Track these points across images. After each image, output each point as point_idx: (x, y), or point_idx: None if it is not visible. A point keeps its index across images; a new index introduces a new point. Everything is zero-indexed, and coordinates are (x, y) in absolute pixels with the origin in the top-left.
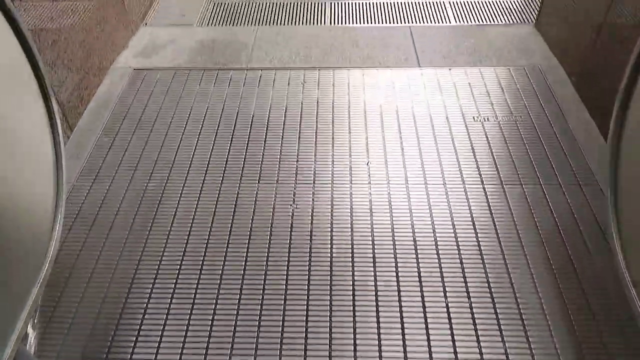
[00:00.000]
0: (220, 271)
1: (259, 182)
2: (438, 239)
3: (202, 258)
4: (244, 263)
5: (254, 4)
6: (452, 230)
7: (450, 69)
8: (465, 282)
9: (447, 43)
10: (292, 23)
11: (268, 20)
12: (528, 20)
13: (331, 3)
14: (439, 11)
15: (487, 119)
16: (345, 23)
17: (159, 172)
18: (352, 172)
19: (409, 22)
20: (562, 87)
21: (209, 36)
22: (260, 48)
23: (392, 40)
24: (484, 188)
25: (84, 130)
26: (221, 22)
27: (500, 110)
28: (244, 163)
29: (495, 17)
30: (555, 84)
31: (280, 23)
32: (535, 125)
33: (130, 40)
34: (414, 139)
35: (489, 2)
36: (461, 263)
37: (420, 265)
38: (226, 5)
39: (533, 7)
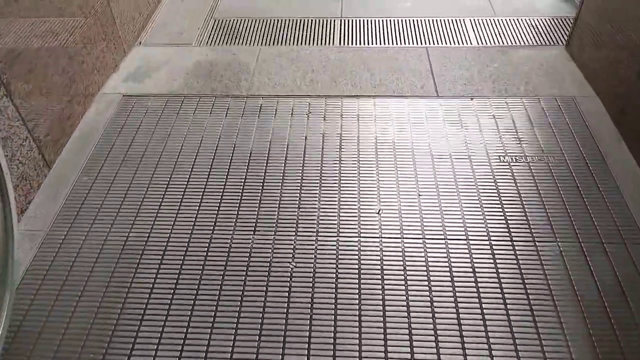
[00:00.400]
0: (207, 345)
1: (254, 232)
2: (460, 307)
3: (186, 326)
4: (233, 335)
5: (258, 22)
6: (476, 297)
7: (472, 99)
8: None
9: (468, 67)
10: (298, 43)
11: (272, 40)
12: (558, 42)
13: (341, 20)
14: (458, 30)
15: (515, 159)
16: (356, 43)
17: (143, 219)
18: (360, 222)
19: (425, 43)
20: (599, 121)
21: (207, 57)
22: (262, 72)
23: (407, 63)
24: (513, 246)
25: (63, 167)
26: (222, 41)
27: (530, 148)
28: (238, 209)
29: (521, 37)
30: (592, 118)
31: (286, 43)
32: (570, 167)
33: (122, 62)
34: (432, 183)
35: (513, 21)
36: (487, 337)
37: (440, 340)
38: (228, 23)
39: (563, 27)
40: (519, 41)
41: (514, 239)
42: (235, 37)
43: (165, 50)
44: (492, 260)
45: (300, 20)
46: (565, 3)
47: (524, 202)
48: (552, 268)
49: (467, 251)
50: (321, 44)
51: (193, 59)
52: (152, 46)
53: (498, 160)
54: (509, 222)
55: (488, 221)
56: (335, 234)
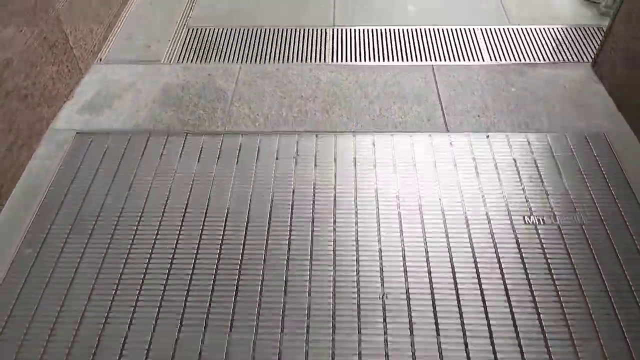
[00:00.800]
0: None
1: (230, 330)
2: None
3: None
4: None
5: (239, 32)
6: None
7: (487, 136)
8: None
9: (481, 93)
10: (284, 59)
11: (254, 55)
12: (582, 58)
13: (333, 30)
14: (468, 43)
15: (542, 220)
16: (351, 60)
17: (95, 307)
18: (360, 313)
19: (431, 59)
20: (634, 162)
21: (178, 79)
22: (242, 99)
23: (411, 88)
24: (546, 345)
25: (1, 234)
26: (196, 57)
27: (559, 204)
28: (210, 298)
29: (540, 52)
30: (626, 158)
31: (270, 59)
32: (607, 230)
33: (77, 86)
34: (445, 255)
35: (530, 31)
36: None
37: None
38: (204, 32)
39: (587, 38)
40: (538, 57)
41: (547, 335)
42: (212, 51)
43: (130, 69)
44: None
45: (288, 30)
46: (588, 8)
47: (557, 285)
48: None
49: (490, 352)
50: (311, 60)
51: (162, 80)
52: (114, 64)
53: (522, 222)
54: (539, 310)
55: (515, 309)
56: (330, 330)
